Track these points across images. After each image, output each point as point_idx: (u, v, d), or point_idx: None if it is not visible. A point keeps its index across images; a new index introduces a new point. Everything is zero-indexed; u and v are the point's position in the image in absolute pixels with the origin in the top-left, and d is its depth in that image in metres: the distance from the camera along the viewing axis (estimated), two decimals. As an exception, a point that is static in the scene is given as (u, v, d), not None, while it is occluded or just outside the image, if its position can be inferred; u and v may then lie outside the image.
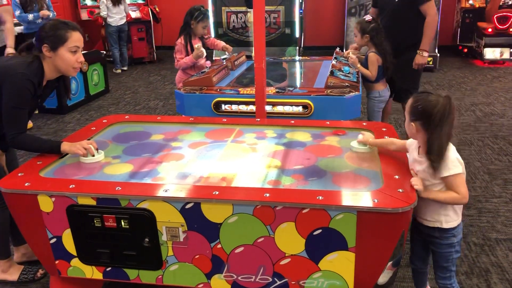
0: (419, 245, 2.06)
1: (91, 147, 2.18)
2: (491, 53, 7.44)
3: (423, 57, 3.66)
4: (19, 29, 6.00)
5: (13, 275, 2.50)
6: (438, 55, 7.28)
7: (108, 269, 2.00)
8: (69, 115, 5.62)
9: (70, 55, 2.16)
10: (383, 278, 2.24)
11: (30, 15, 5.80)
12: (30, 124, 4.96)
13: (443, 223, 1.88)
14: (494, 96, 5.81)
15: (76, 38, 2.17)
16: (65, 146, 2.17)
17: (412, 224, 2.00)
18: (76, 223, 1.91)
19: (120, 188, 1.84)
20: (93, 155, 2.18)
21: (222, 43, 4.06)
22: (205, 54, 3.86)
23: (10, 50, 4.19)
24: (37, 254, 2.10)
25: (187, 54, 3.82)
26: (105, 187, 1.89)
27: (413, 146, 1.94)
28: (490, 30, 7.29)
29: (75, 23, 2.24)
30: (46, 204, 1.89)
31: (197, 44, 3.84)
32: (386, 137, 2.29)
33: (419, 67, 3.70)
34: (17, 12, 5.80)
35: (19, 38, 6.00)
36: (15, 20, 5.84)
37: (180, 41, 3.84)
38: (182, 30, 3.87)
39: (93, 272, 2.01)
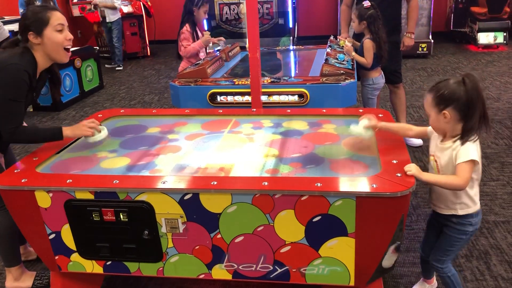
0: (433, 233, 2.04)
1: (95, 125, 2.20)
2: (484, 38, 7.44)
3: (411, 39, 3.90)
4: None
5: (26, 282, 2.40)
6: (432, 41, 7.27)
7: (108, 263, 1.99)
8: (64, 112, 5.59)
9: (57, 34, 2.11)
10: (388, 261, 2.21)
11: None
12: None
13: (458, 210, 1.87)
14: (489, 81, 5.81)
15: (58, 16, 2.12)
16: (67, 131, 2.15)
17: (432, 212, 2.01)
18: (74, 218, 1.90)
19: (117, 181, 1.83)
20: (100, 132, 2.20)
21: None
22: (221, 42, 3.99)
23: None
24: (37, 250, 2.10)
25: (194, 41, 3.87)
26: (102, 180, 1.88)
27: (435, 133, 1.91)
28: (483, 14, 7.28)
29: (54, 6, 2.22)
30: (43, 199, 1.88)
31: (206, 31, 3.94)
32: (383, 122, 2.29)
33: (408, 48, 3.97)
34: (21, 10, 5.84)
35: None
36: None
37: (186, 28, 3.87)
38: (185, 18, 3.91)
39: (93, 267, 2.01)
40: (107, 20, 7.46)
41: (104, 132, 2.22)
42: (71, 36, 2.16)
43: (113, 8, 7.41)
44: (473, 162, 1.74)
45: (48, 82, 2.38)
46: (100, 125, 2.24)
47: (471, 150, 1.74)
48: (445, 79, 1.79)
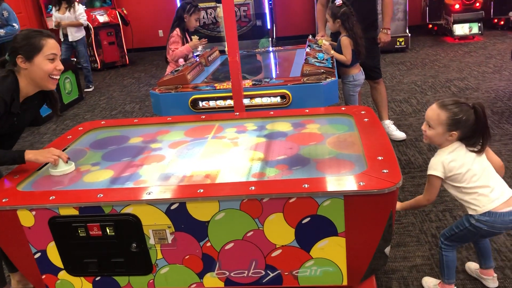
0: None
1: (62, 153, 2.08)
2: (460, 29, 7.55)
3: (388, 35, 3.89)
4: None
5: None
6: (409, 35, 7.35)
7: (98, 278, 1.95)
8: (45, 126, 5.50)
9: (48, 63, 2.04)
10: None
11: None
12: None
13: (467, 210, 2.03)
14: (467, 71, 5.89)
15: (52, 45, 2.05)
16: (29, 155, 2.01)
17: None
18: (60, 235, 1.86)
19: (102, 195, 1.80)
20: (66, 162, 2.08)
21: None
22: (200, 46, 4.04)
23: None
24: (22, 271, 2.05)
25: (183, 45, 3.95)
26: (86, 195, 1.84)
27: None
28: (457, 6, 7.39)
29: (49, 31, 2.12)
30: (26, 218, 1.83)
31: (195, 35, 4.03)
32: (366, 119, 2.29)
33: (385, 44, 3.96)
34: None
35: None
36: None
37: (176, 33, 3.94)
38: (175, 23, 3.98)
39: (82, 284, 1.97)
40: (70, 39, 6.65)
41: (71, 167, 2.10)
42: (61, 67, 2.09)
43: (78, 25, 6.69)
44: (432, 176, 1.99)
45: (46, 103, 2.31)
46: (69, 159, 2.12)
47: (432, 162, 2.00)
48: (457, 102, 1.95)
